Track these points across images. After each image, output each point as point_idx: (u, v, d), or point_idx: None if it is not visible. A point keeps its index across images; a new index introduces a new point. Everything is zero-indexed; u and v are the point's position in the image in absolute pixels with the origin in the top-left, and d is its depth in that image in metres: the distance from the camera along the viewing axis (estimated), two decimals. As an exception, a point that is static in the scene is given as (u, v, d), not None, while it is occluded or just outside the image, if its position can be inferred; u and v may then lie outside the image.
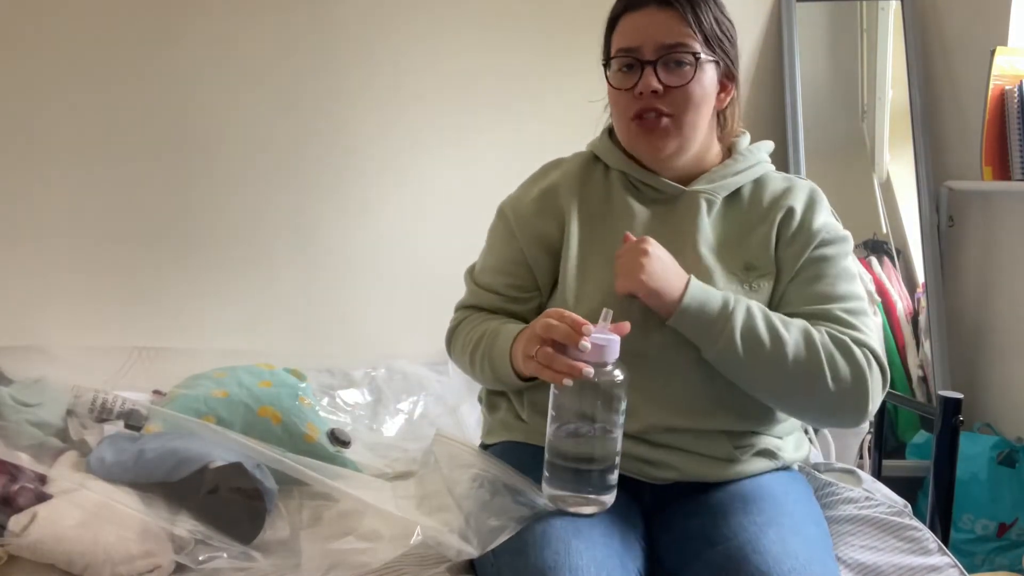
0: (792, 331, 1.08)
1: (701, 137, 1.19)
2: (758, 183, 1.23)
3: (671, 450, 1.12)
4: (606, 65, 1.19)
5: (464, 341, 1.24)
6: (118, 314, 2.07)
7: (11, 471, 1.13)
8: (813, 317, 1.12)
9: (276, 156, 2.15)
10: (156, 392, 1.56)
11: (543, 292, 1.24)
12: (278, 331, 2.16)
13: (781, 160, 2.41)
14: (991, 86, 2.07)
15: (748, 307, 1.09)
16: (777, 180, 1.24)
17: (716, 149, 1.24)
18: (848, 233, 1.21)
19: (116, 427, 1.30)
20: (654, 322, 1.11)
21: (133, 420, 1.32)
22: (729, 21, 1.20)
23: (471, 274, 1.32)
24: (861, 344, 1.10)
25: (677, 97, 1.14)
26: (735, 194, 1.22)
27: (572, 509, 1.02)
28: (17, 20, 1.97)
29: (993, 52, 2.07)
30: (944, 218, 2.31)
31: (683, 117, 1.15)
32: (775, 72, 2.44)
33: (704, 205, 1.19)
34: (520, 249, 1.23)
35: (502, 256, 1.26)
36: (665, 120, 1.15)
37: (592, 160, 1.28)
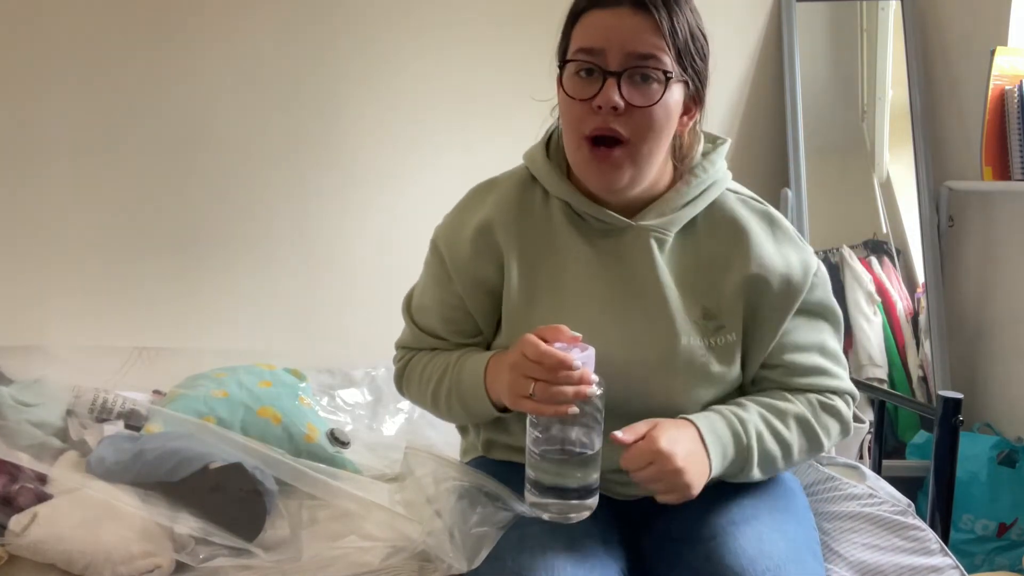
0: (792, 428, 1.09)
1: (657, 166, 1.07)
2: (713, 210, 1.12)
3: None
4: (561, 66, 1.07)
5: (420, 379, 1.17)
6: (118, 314, 2.07)
7: (11, 471, 1.13)
8: (795, 369, 1.13)
9: (276, 156, 2.15)
10: (156, 392, 1.56)
11: (487, 334, 1.16)
12: (278, 331, 2.16)
13: (781, 160, 2.41)
14: (991, 86, 2.07)
15: (758, 431, 1.06)
16: (733, 206, 1.13)
17: (668, 171, 1.12)
18: (818, 261, 1.14)
19: (116, 427, 1.30)
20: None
21: (133, 420, 1.32)
22: (704, 37, 1.06)
23: (409, 311, 1.22)
24: (840, 393, 1.15)
25: (638, 119, 1.01)
26: (690, 223, 1.11)
27: (557, 518, 0.99)
28: (16, 20, 1.97)
29: (993, 52, 2.07)
30: (944, 218, 2.31)
31: (640, 145, 1.02)
32: (775, 72, 2.44)
33: (655, 244, 1.08)
34: (458, 294, 1.13)
35: (440, 299, 1.16)
36: (618, 151, 1.02)
37: (529, 181, 1.15)
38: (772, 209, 1.15)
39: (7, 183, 1.99)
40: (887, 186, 2.45)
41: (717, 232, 1.11)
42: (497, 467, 1.15)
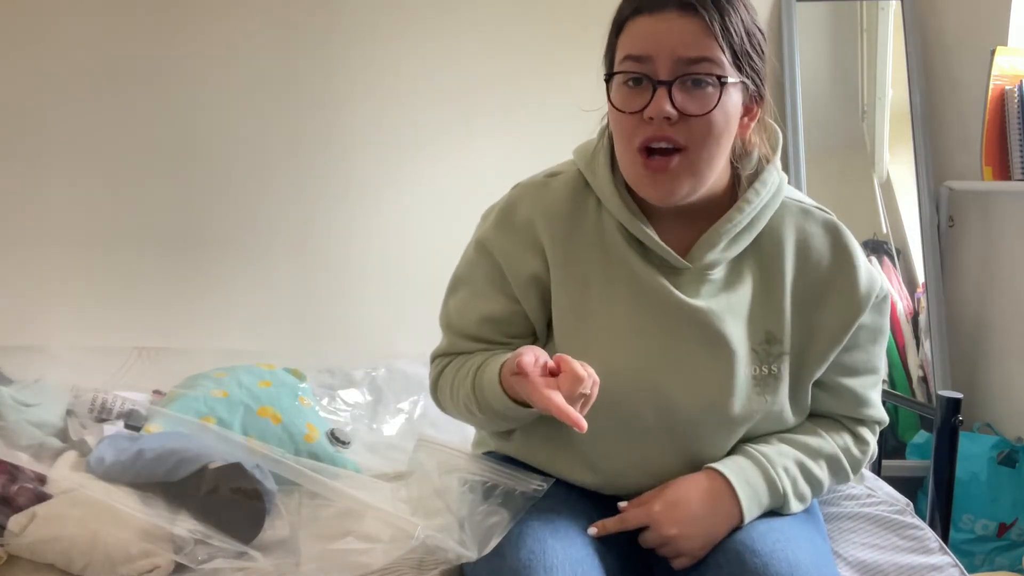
0: (823, 467, 1.09)
1: (717, 172, 1.02)
2: (774, 224, 1.07)
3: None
4: (608, 77, 1.01)
5: (453, 394, 1.12)
6: (118, 314, 2.07)
7: (11, 471, 1.13)
8: (844, 394, 1.12)
9: (276, 157, 2.15)
10: (156, 392, 1.56)
11: (541, 337, 1.11)
12: (278, 331, 2.17)
13: (782, 161, 2.41)
14: (991, 86, 2.07)
15: (792, 478, 1.06)
16: (796, 219, 1.08)
17: (727, 177, 1.06)
18: (883, 281, 1.10)
19: (116, 427, 1.30)
20: (645, 400, 1.04)
21: (133, 420, 1.32)
22: (761, 32, 1.00)
23: (449, 320, 1.15)
24: (872, 422, 1.15)
25: (694, 127, 0.95)
26: (752, 242, 1.07)
27: None
28: (20, 24, 1.97)
29: (993, 52, 2.07)
30: (944, 218, 2.31)
31: (699, 152, 0.96)
32: (775, 72, 2.43)
33: (710, 283, 1.05)
34: (513, 296, 1.09)
35: (491, 300, 1.10)
36: (676, 159, 0.96)
37: (583, 187, 1.08)
38: (837, 220, 1.10)
39: (7, 183, 2.00)
40: (887, 186, 2.45)
41: (779, 249, 1.06)
42: (509, 459, 1.16)
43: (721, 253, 1.04)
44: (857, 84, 2.49)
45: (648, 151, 0.97)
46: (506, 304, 1.09)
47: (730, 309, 1.04)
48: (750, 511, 1.02)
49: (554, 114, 2.16)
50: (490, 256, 1.10)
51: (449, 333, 1.15)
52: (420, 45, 2.19)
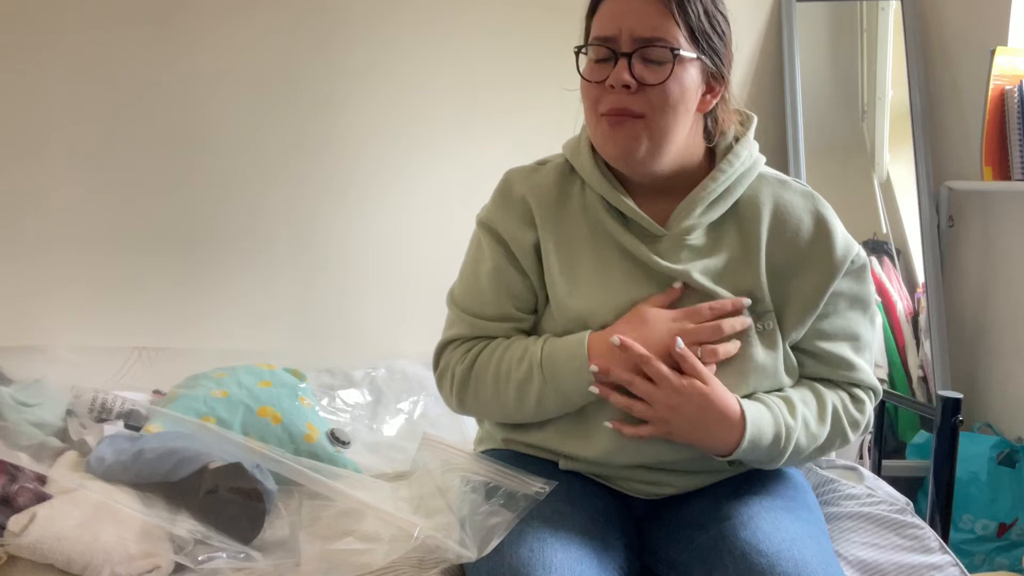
0: (827, 424, 1.10)
1: (679, 143, 1.08)
2: (752, 193, 1.13)
3: (669, 472, 1.11)
4: (581, 52, 1.09)
5: (498, 379, 1.11)
6: (118, 314, 2.07)
7: (11, 471, 1.13)
8: (825, 359, 1.13)
9: (276, 157, 2.15)
10: (156, 392, 1.56)
11: (540, 311, 1.16)
12: (278, 331, 2.16)
13: (781, 160, 2.41)
14: (991, 86, 2.07)
15: (797, 442, 1.07)
16: (773, 188, 1.14)
17: (700, 153, 1.13)
18: (860, 247, 1.14)
19: (116, 427, 1.30)
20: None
21: (133, 420, 1.32)
22: (723, 16, 1.08)
23: (457, 303, 1.19)
24: (865, 387, 1.16)
25: (651, 96, 1.03)
26: (731, 208, 1.12)
27: None
28: (20, 25, 1.97)
29: (993, 52, 2.07)
30: (944, 218, 2.31)
31: (656, 120, 1.04)
32: (775, 72, 2.44)
33: (688, 249, 1.10)
34: (521, 267, 1.14)
35: (502, 272, 1.14)
36: (633, 122, 1.04)
37: (568, 172, 1.16)
38: (813, 190, 1.16)
39: (7, 183, 2.00)
40: (887, 186, 2.45)
41: (757, 214, 1.11)
42: (512, 457, 1.15)
43: (697, 219, 1.10)
44: (857, 84, 2.49)
45: (609, 115, 1.06)
46: (516, 275, 1.14)
47: (709, 272, 1.09)
48: (744, 454, 1.03)
49: (554, 115, 2.16)
50: (495, 233, 1.15)
51: (464, 315, 1.17)
52: (421, 47, 2.20)
